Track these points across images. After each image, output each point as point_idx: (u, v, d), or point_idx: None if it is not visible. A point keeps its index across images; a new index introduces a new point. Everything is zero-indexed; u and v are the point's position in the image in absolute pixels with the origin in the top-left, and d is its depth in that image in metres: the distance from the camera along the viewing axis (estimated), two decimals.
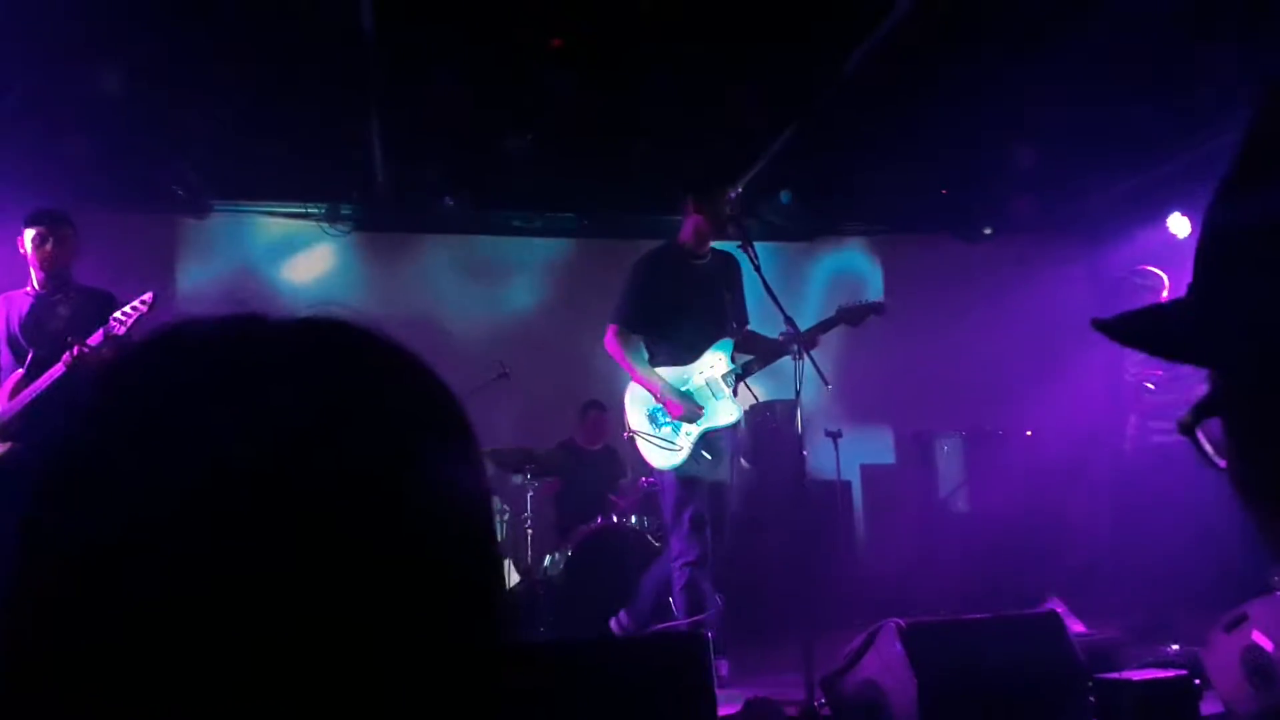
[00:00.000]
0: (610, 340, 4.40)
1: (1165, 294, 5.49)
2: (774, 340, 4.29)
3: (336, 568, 0.45)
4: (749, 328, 4.64)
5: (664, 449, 4.31)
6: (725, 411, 4.40)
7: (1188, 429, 0.68)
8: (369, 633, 0.45)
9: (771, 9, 4.93)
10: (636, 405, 4.46)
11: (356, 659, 0.45)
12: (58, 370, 3.82)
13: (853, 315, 4.29)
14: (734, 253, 4.59)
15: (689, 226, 4.55)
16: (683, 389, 4.41)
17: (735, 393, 4.42)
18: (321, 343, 0.52)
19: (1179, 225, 6.92)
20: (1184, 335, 0.65)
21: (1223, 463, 0.65)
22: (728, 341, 4.48)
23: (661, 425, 4.36)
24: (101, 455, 0.47)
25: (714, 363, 4.44)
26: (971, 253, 7.95)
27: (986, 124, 6.08)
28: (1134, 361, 5.59)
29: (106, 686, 0.43)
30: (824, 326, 4.24)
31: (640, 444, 4.38)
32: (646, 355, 4.49)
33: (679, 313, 4.44)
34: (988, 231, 7.70)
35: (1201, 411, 0.67)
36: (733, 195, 4.52)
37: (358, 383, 0.50)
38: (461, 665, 0.49)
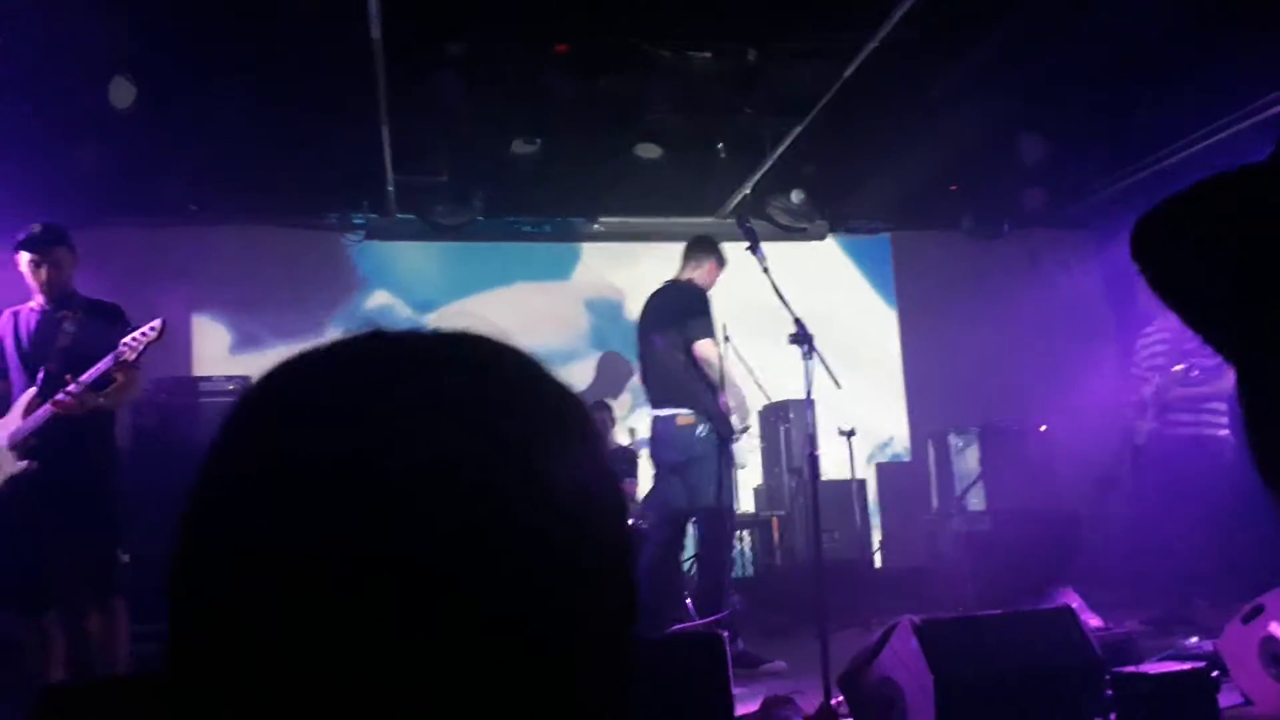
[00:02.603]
0: (713, 351, 4.86)
1: None
2: None
3: (487, 581, 0.45)
4: None
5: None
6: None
7: None
8: (521, 646, 0.46)
9: (776, 9, 4.95)
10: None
11: (511, 670, 0.45)
12: (44, 413, 3.83)
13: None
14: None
15: (713, 275, 5.13)
16: None
17: None
18: (439, 356, 0.52)
19: None
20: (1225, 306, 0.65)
21: None
22: None
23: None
24: (250, 483, 0.47)
25: None
26: (983, 249, 7.95)
27: (995, 120, 6.09)
28: (1142, 358, 5.58)
29: (268, 689, 0.44)
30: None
31: (740, 443, 4.89)
32: None
33: None
34: (1005, 228, 7.68)
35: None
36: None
37: (493, 394, 0.50)
38: (607, 668, 0.50)
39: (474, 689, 0.45)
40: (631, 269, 7.89)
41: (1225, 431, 5.25)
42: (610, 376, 7.72)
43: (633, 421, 7.37)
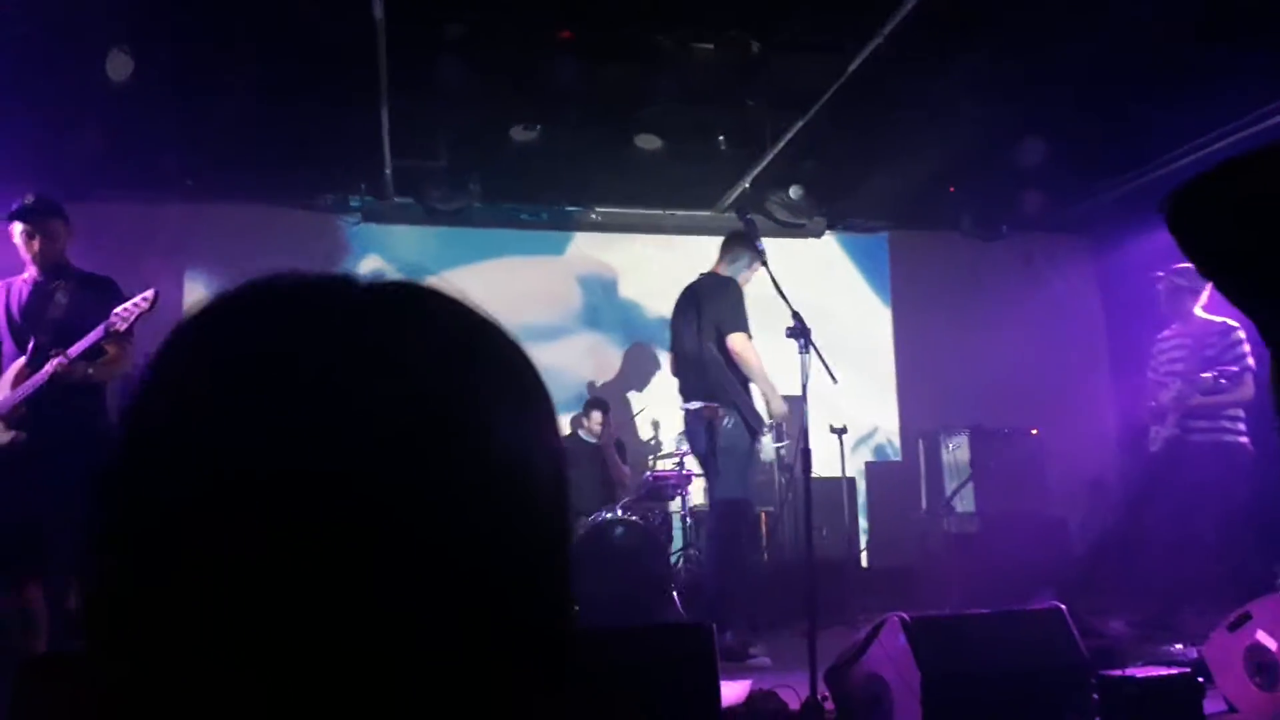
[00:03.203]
0: (746, 345, 4.92)
1: (1207, 293, 5.40)
2: None
3: (411, 535, 0.44)
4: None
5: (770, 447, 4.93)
6: None
7: None
8: (442, 602, 0.44)
9: (780, 3, 4.93)
10: (760, 405, 5.02)
11: (428, 630, 0.44)
12: (40, 378, 3.80)
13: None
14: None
15: (751, 269, 5.12)
16: None
17: None
18: (395, 303, 0.51)
19: None
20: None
21: None
22: None
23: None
24: (181, 416, 0.46)
25: None
26: (980, 250, 7.95)
27: (994, 121, 6.08)
28: (1160, 362, 5.56)
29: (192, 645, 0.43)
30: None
31: (766, 437, 4.96)
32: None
33: None
34: (1003, 230, 7.69)
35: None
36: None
37: (445, 343, 0.50)
38: (532, 642, 0.48)
39: (392, 640, 0.43)
40: (626, 249, 7.89)
41: (1245, 439, 5.27)
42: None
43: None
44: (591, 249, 7.94)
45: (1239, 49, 5.08)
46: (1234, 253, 0.68)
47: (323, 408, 0.45)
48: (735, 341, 4.89)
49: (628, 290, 7.91)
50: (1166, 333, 5.56)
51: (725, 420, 4.89)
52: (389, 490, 0.44)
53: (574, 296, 7.86)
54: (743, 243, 5.07)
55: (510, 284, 7.51)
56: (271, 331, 0.48)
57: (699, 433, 5.01)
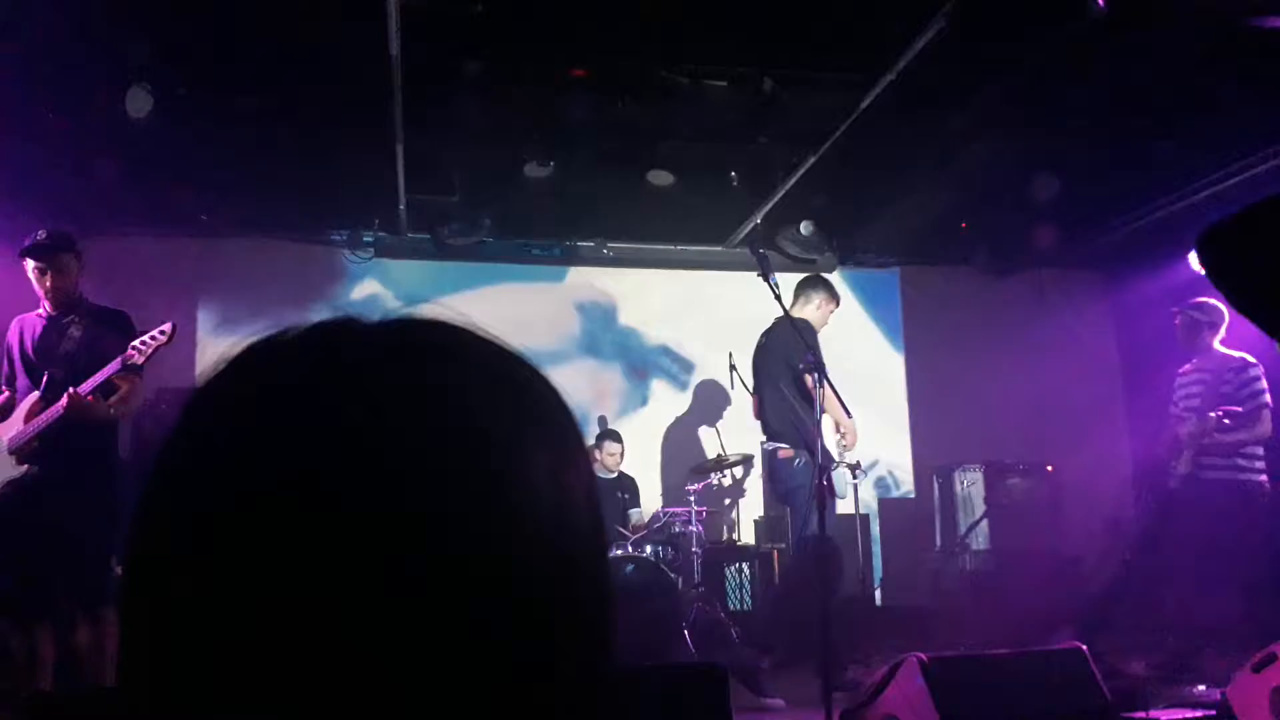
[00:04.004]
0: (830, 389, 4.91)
1: (1225, 328, 5.37)
2: None
3: (430, 583, 0.43)
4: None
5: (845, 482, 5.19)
6: None
7: None
8: (467, 649, 0.43)
9: (793, 40, 4.95)
10: (830, 442, 5.13)
11: (454, 681, 0.43)
12: (55, 411, 3.81)
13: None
14: None
15: (825, 310, 5.44)
16: None
17: None
18: (414, 342, 0.50)
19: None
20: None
21: None
22: None
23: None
24: (200, 471, 0.45)
25: None
26: (991, 286, 7.94)
27: (1007, 157, 6.09)
28: (1179, 397, 5.50)
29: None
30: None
31: (838, 473, 5.12)
32: None
33: None
34: (1015, 266, 7.69)
35: None
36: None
37: (455, 380, 0.49)
38: (561, 693, 0.47)
39: (426, 674, 0.42)
40: (625, 277, 7.90)
41: (1263, 477, 5.20)
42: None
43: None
44: (590, 276, 7.95)
45: (1252, 83, 5.08)
46: (1267, 289, 0.67)
47: (346, 451, 0.44)
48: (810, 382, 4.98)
49: (627, 317, 7.92)
50: (1186, 367, 5.51)
51: (796, 460, 5.06)
52: (425, 526, 0.43)
53: (573, 323, 7.86)
54: (815, 284, 5.39)
55: (509, 310, 7.54)
56: (294, 380, 0.47)
57: (773, 472, 5.33)
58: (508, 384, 0.50)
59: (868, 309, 8.28)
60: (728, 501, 7.59)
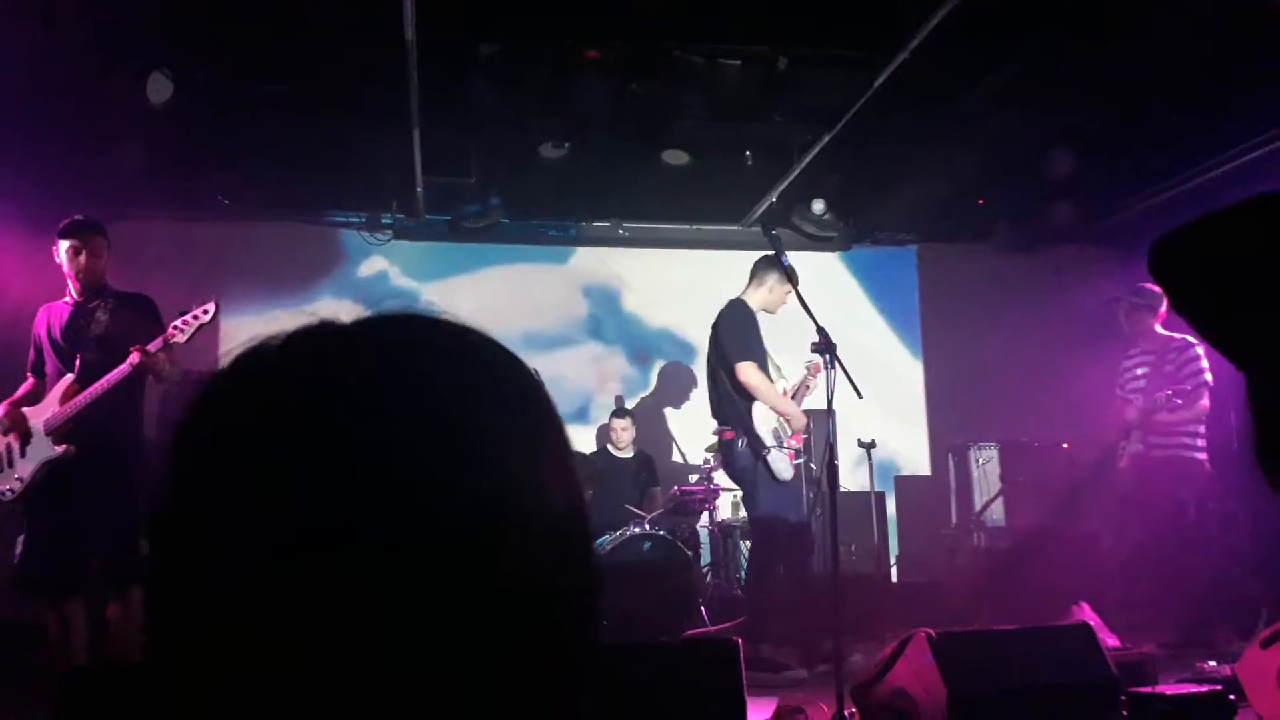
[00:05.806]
0: (750, 372, 4.96)
1: (1164, 312, 5.53)
2: None
3: (428, 559, 0.46)
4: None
5: (787, 464, 4.98)
6: None
7: None
8: (458, 637, 0.46)
9: (807, 18, 4.95)
10: (765, 425, 4.98)
11: (447, 665, 0.46)
12: (124, 370, 3.87)
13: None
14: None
15: (776, 293, 5.18)
16: None
17: None
18: (388, 341, 0.52)
19: None
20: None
21: None
22: None
23: (781, 443, 5.00)
24: (200, 483, 0.48)
25: None
26: (1008, 263, 7.90)
27: (1024, 134, 6.06)
28: (1125, 379, 5.76)
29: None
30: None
31: (773, 456, 4.93)
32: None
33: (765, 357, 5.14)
34: (1032, 243, 7.67)
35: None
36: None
37: (433, 377, 0.50)
38: (549, 674, 0.49)
39: (416, 657, 0.45)
40: (632, 259, 7.91)
41: (1202, 455, 5.44)
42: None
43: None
44: (595, 258, 7.96)
45: (1271, 60, 5.04)
46: (1206, 301, 0.71)
47: (327, 456, 0.46)
48: (741, 372, 4.98)
49: (631, 301, 7.94)
50: (1132, 351, 5.78)
51: (738, 443, 5.01)
52: (407, 518, 0.46)
53: (578, 305, 7.88)
54: (768, 266, 5.14)
55: (513, 291, 7.57)
56: (272, 391, 0.50)
57: (723, 456, 5.28)
58: (481, 373, 0.52)
59: (884, 286, 8.27)
60: None
